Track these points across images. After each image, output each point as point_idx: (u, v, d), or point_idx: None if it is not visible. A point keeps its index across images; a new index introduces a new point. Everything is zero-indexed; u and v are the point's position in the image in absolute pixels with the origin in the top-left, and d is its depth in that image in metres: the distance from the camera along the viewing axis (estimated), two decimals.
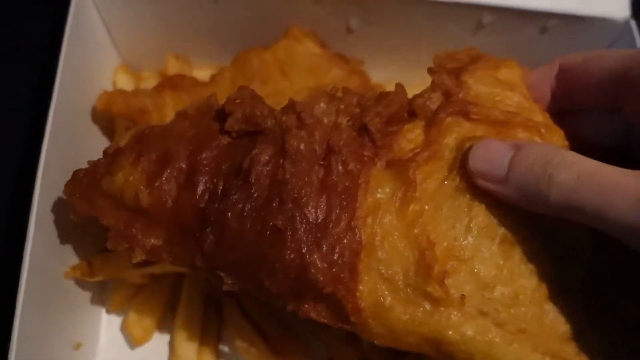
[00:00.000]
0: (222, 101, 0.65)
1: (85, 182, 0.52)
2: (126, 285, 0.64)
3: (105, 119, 0.68)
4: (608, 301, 0.45)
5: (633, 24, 0.67)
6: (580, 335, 0.44)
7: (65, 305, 0.59)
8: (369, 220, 0.44)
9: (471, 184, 0.45)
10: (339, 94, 0.50)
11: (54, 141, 0.56)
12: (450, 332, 0.43)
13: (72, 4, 0.62)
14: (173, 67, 0.72)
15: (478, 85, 0.50)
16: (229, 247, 0.46)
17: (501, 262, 0.44)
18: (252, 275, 0.46)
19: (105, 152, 0.53)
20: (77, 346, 0.60)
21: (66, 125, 0.59)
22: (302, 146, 0.46)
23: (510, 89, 0.50)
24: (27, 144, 0.72)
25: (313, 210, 0.44)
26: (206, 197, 0.48)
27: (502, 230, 0.45)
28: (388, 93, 0.49)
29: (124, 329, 0.65)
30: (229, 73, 0.68)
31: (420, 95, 0.49)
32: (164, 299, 0.65)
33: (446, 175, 0.46)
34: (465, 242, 0.44)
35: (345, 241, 0.44)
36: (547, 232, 0.44)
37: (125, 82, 0.71)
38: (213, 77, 0.68)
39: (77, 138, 0.63)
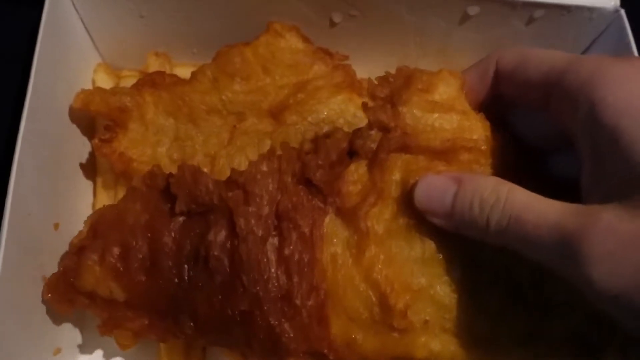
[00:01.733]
0: (203, 99, 0.65)
1: (61, 287, 0.54)
2: None
3: (85, 118, 0.66)
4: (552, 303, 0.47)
5: (623, 13, 0.65)
6: (530, 337, 0.47)
7: (43, 308, 0.57)
8: (330, 272, 0.47)
9: (420, 217, 0.46)
10: (279, 152, 0.51)
11: (28, 141, 0.55)
12: (419, 352, 0.47)
13: (47, 2, 0.61)
14: (154, 65, 0.71)
15: (414, 113, 0.49)
16: (206, 329, 0.50)
17: (456, 285, 0.46)
18: (232, 347, 0.52)
19: (70, 245, 0.56)
20: (57, 351, 0.59)
21: (42, 124, 0.58)
22: (252, 222, 0.48)
23: (446, 111, 0.49)
24: (6, 145, 0.70)
25: (275, 286, 0.47)
26: (175, 280, 0.50)
27: (454, 255, 0.47)
28: (325, 141, 0.50)
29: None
30: (210, 70, 0.66)
31: (359, 135, 0.50)
32: None
33: (396, 213, 0.48)
34: (422, 273, 0.47)
35: (310, 302, 0.47)
36: (493, 248, 0.44)
37: (104, 81, 0.70)
38: (194, 75, 0.66)
39: (55, 138, 0.61)
